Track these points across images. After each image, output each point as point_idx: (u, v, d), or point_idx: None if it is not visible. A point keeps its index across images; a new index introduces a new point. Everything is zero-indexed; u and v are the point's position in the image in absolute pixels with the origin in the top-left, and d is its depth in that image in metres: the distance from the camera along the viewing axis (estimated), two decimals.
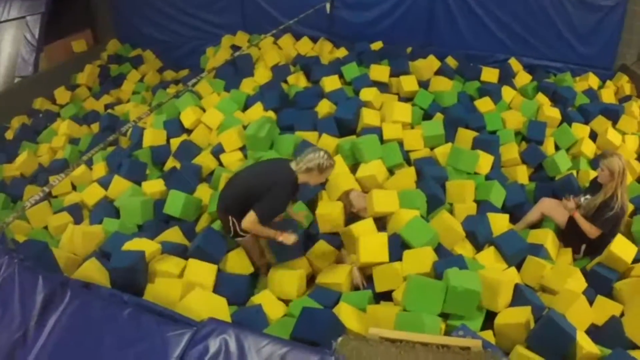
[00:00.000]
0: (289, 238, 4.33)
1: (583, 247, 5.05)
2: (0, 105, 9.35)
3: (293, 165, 4.40)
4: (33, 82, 9.91)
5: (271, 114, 6.77)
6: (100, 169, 6.51)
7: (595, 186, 5.12)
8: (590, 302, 4.16)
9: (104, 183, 6.00)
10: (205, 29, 10.39)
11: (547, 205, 5.37)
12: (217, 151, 6.30)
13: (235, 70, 8.30)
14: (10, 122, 9.27)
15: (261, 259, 4.85)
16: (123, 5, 10.99)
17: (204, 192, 5.62)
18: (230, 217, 4.45)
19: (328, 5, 8.99)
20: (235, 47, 9.28)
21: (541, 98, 7.35)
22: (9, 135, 8.88)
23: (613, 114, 6.99)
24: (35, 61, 9.95)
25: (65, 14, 10.69)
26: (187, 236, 4.97)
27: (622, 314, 4.09)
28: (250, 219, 4.23)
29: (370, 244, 4.39)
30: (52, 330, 3.06)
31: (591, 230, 4.88)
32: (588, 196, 5.08)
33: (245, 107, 7.14)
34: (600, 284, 4.43)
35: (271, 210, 4.36)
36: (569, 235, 5.13)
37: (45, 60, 10.36)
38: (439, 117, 6.73)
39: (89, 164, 6.57)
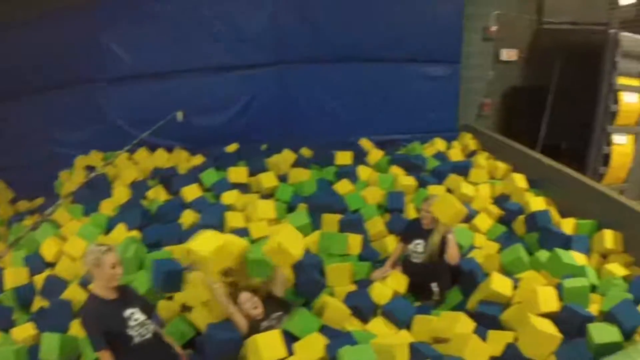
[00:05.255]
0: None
1: (434, 285, 5.43)
2: None
3: None
4: None
5: (135, 233, 6.62)
6: None
7: (416, 230, 5.58)
8: (483, 338, 4.42)
9: None
10: (56, 151, 9.94)
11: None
12: (85, 282, 5.84)
13: (92, 193, 7.99)
14: None
15: None
16: None
17: (79, 329, 5.13)
18: None
19: (180, 114, 9.10)
20: (90, 168, 9.08)
21: (395, 170, 7.95)
22: None
23: (463, 170, 7.81)
24: None
25: None
26: None
27: (516, 339, 4.40)
28: None
29: (268, 342, 4.26)
30: None
31: (458, 254, 5.35)
32: (419, 241, 5.50)
33: (108, 230, 6.87)
34: (487, 320, 4.73)
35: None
36: (418, 287, 5.49)
37: None
38: (302, 207, 6.96)
39: None
